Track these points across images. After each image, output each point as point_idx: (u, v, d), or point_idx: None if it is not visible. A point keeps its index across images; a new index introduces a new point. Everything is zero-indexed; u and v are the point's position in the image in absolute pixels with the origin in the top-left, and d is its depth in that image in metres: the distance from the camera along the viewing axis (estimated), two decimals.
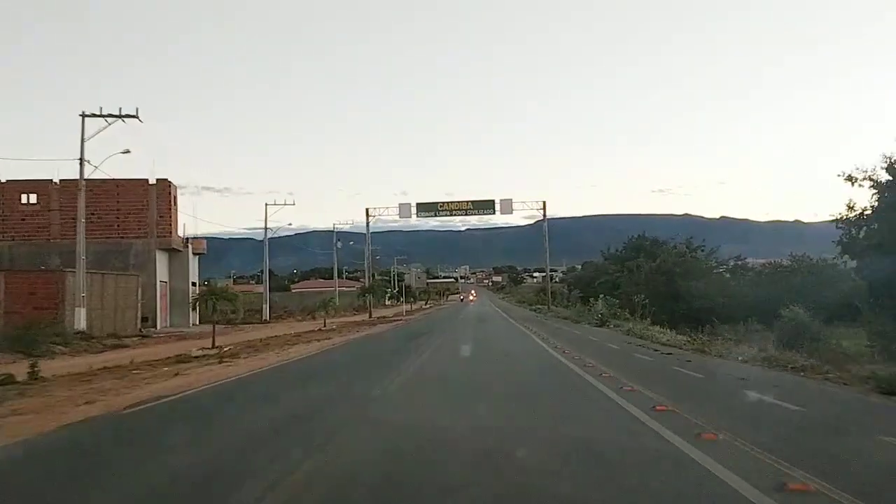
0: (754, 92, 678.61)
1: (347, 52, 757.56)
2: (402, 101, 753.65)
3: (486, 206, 65.34)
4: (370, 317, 62.25)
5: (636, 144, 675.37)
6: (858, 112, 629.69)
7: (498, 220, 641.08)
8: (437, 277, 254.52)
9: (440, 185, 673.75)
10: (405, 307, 79.99)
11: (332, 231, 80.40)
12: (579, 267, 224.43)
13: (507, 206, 65.18)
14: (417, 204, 65.58)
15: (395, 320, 57.95)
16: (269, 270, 66.49)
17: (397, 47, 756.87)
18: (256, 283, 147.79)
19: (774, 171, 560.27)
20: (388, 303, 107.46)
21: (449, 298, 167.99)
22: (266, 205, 57.78)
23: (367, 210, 65.82)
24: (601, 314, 41.40)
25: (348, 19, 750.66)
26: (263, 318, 59.54)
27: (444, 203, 65.73)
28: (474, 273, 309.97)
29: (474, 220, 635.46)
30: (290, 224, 70.31)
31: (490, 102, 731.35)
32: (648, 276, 50.03)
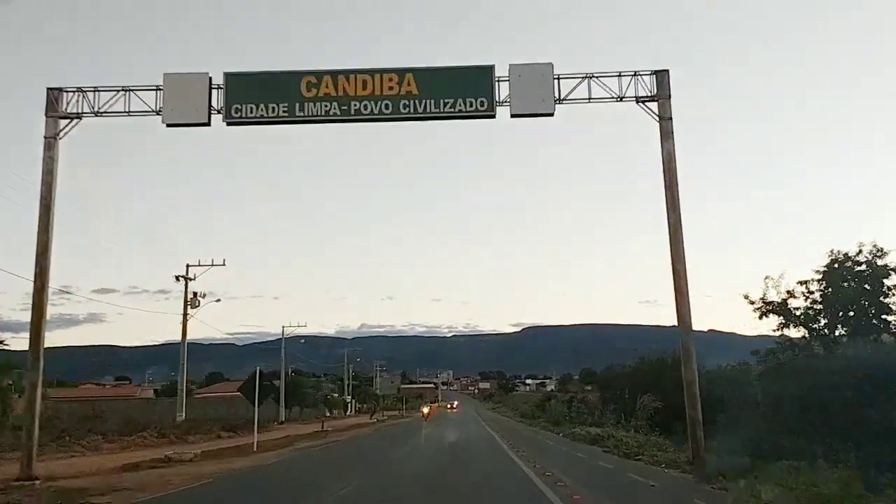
0: (736, 205, 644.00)
1: (333, 161, 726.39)
2: (390, 208, 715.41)
3: (459, 87, 17.72)
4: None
5: (622, 253, 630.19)
6: (842, 228, 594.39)
7: (485, 326, 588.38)
8: (415, 383, 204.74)
9: (428, 293, 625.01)
10: (255, 437, 29.11)
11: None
12: (576, 376, 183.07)
13: (531, 82, 17.53)
14: (228, 76, 17.86)
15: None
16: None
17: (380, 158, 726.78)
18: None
19: (758, 285, 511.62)
20: (333, 413, 79.77)
21: (423, 408, 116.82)
22: None
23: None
24: None
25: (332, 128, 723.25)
26: None
27: (316, 75, 17.84)
28: (458, 379, 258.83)
29: (461, 326, 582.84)
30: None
31: (475, 209, 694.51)
32: None
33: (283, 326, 70.40)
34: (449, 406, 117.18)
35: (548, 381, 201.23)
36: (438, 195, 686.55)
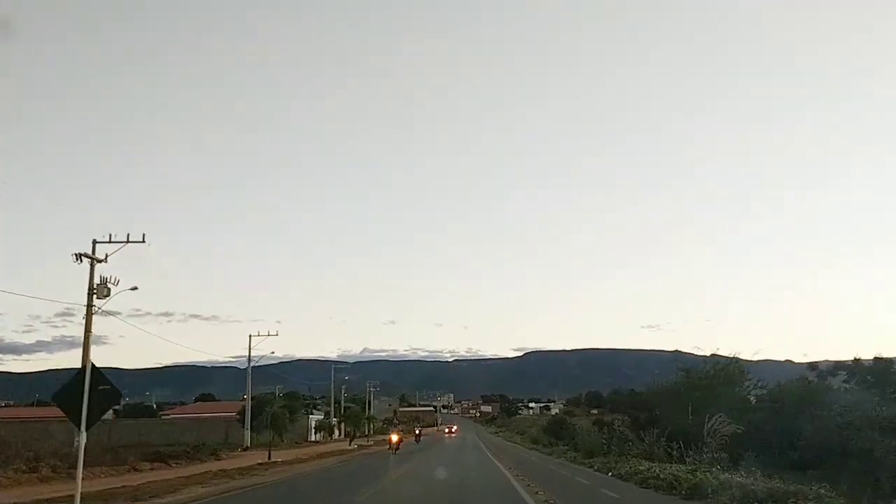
0: (740, 232, 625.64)
1: (335, 181, 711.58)
2: (392, 232, 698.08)
3: None
4: None
5: (625, 278, 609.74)
6: (843, 256, 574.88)
7: (486, 350, 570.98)
8: (414, 405, 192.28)
9: (429, 317, 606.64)
10: None
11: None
12: (582, 398, 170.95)
13: None
14: None
15: None
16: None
17: (382, 178, 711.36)
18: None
19: (762, 309, 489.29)
20: (314, 437, 74.10)
21: (392, 435, 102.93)
22: None
23: None
24: None
25: (337, 153, 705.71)
26: None
27: None
28: (459, 402, 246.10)
29: (462, 350, 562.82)
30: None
31: (477, 233, 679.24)
32: None
33: (250, 335, 57.12)
34: (447, 430, 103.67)
35: (552, 404, 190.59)
36: (439, 221, 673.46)
